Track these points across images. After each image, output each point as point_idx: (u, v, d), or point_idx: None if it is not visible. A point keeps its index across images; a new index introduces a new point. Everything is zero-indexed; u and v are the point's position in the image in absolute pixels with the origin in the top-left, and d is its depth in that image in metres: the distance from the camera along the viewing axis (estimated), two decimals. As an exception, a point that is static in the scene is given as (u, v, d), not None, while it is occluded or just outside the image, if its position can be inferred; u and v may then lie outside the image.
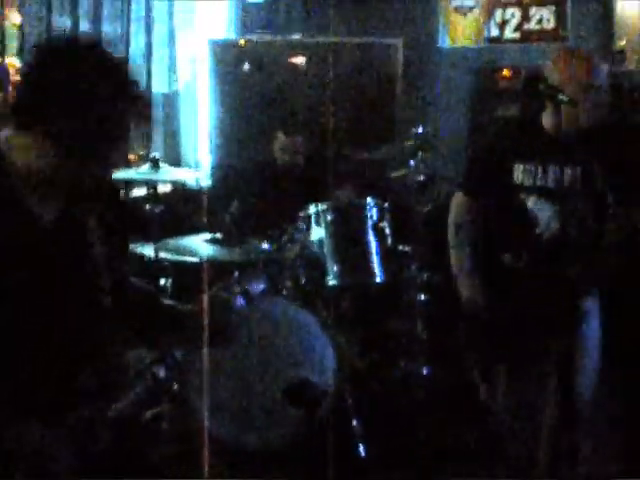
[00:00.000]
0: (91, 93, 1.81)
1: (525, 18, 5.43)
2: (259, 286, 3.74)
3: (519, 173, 3.12)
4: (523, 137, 3.20)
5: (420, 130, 4.21)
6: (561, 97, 3.00)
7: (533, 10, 5.41)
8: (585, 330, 3.15)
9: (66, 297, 1.89)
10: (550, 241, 3.11)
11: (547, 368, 3.25)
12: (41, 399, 1.84)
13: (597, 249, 3.14)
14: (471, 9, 5.62)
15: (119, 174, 4.20)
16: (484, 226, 3.32)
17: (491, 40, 5.57)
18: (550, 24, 5.35)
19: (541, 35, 5.36)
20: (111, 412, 2.05)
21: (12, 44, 4.62)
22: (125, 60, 2.06)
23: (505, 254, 3.14)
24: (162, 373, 3.59)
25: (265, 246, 3.93)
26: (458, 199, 3.34)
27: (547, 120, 3.13)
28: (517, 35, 5.45)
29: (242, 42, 5.65)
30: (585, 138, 3.08)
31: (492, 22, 5.55)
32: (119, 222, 2.11)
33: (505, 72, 5.13)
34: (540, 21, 5.37)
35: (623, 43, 5.19)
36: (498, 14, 5.52)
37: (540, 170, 3.11)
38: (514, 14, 5.47)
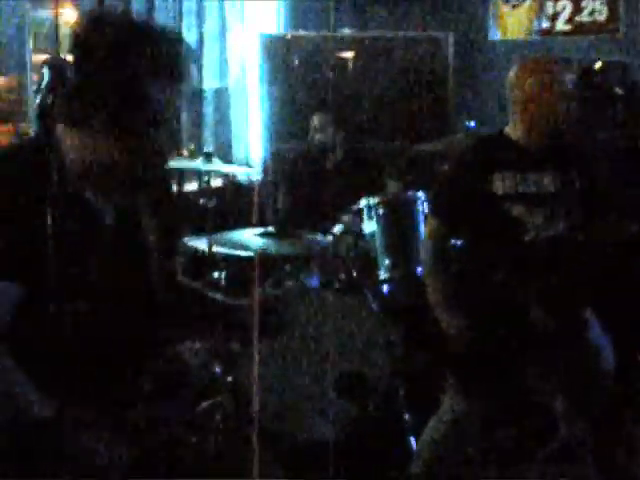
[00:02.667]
0: (144, 79, 1.75)
1: (577, 10, 5.37)
2: (314, 279, 3.76)
3: (499, 182, 3.01)
4: (495, 149, 3.12)
5: (472, 124, 4.20)
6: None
7: (585, 2, 5.35)
8: (588, 338, 3.09)
9: (122, 294, 1.90)
10: (545, 246, 3.01)
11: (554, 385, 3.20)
12: (101, 397, 1.85)
13: (591, 250, 3.09)
14: (522, 1, 5.59)
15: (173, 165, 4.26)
16: (466, 249, 3.22)
17: (542, 32, 5.52)
18: (602, 16, 5.29)
19: (593, 27, 5.31)
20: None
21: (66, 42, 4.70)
22: (178, 38, 1.94)
23: (496, 272, 3.00)
24: (218, 369, 3.66)
25: (318, 239, 3.95)
26: (432, 224, 3.18)
27: (515, 131, 3.09)
28: (569, 27, 5.40)
29: (290, 37, 5.68)
30: (554, 145, 3.07)
31: (543, 14, 5.51)
32: (172, 216, 2.12)
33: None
34: (592, 13, 5.32)
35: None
36: (549, 6, 5.47)
37: (520, 177, 3.02)
38: (565, 6, 5.42)
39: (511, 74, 3.09)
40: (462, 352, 3.02)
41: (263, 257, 3.84)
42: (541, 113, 3.00)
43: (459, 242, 3.31)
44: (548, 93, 2.98)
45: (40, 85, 1.79)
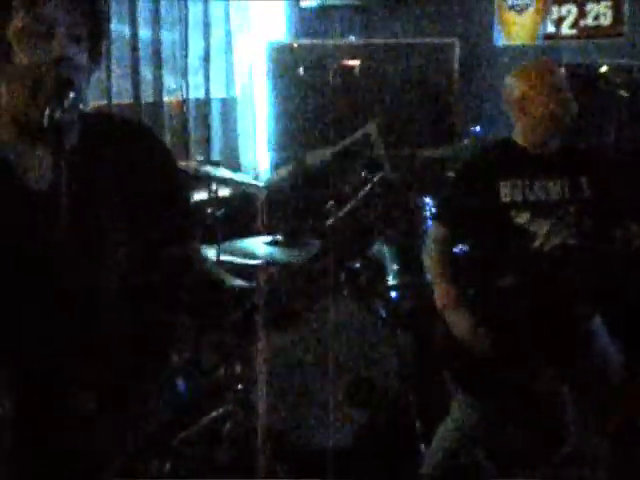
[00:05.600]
0: None
1: (581, 14, 5.37)
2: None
3: (505, 190, 3.01)
4: (502, 156, 3.12)
5: (478, 129, 4.20)
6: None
7: (589, 6, 5.35)
8: (593, 349, 3.08)
9: None
10: (551, 254, 3.00)
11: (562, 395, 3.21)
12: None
13: (601, 259, 3.08)
14: (527, 7, 5.59)
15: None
16: (472, 254, 3.23)
17: (547, 37, 5.52)
18: (607, 20, 5.28)
19: (598, 31, 5.31)
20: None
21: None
22: None
23: (504, 277, 3.00)
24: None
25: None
26: (437, 229, 3.20)
27: (519, 137, 3.10)
28: (574, 32, 5.40)
29: (297, 45, 5.69)
30: (563, 151, 3.07)
31: (548, 19, 5.51)
32: None
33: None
34: (597, 17, 5.31)
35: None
36: (554, 11, 5.47)
37: (527, 185, 3.01)
38: (570, 11, 5.42)
39: (506, 81, 3.10)
40: (470, 361, 3.01)
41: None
42: (537, 116, 3.00)
43: (464, 247, 3.31)
44: (541, 95, 2.98)
45: None
